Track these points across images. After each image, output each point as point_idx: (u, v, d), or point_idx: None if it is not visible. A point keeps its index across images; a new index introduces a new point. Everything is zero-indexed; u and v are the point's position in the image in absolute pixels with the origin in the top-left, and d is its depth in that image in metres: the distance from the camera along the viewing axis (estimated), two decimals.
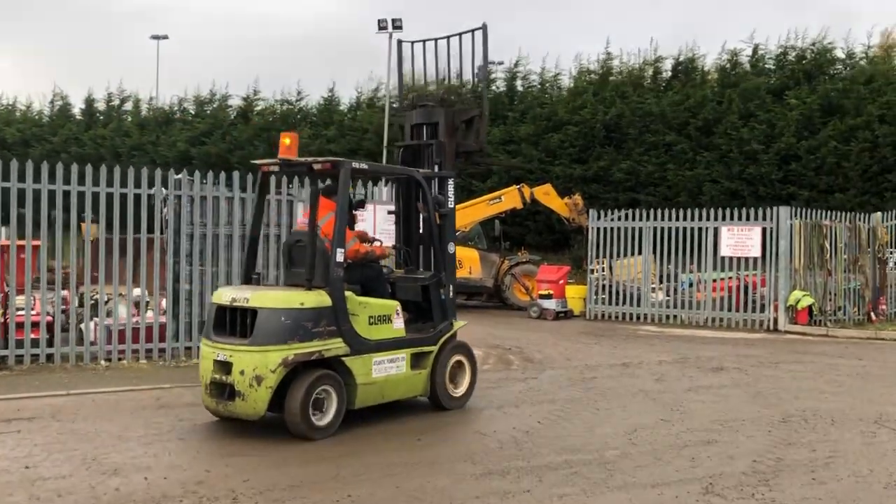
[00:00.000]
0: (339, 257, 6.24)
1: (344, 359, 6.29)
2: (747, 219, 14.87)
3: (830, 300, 14.55)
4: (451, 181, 7.65)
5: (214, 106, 36.10)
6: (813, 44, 25.86)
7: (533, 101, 29.13)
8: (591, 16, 62.83)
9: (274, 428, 6.46)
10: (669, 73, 28.21)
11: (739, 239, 14.87)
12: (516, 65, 30.96)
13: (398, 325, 6.77)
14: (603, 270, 16.40)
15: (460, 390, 7.31)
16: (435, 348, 7.07)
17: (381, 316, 6.64)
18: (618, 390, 8.39)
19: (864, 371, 9.78)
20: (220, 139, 33.39)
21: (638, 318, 15.73)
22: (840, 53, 25.78)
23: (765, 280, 14.74)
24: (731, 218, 15.01)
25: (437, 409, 7.10)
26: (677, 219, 15.52)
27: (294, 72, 65.97)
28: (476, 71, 9.02)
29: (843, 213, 15.25)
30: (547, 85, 30.55)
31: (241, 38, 66.35)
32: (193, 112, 36.44)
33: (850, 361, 10.58)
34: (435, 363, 7.04)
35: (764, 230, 14.62)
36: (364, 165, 7.11)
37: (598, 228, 16.44)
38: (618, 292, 16.11)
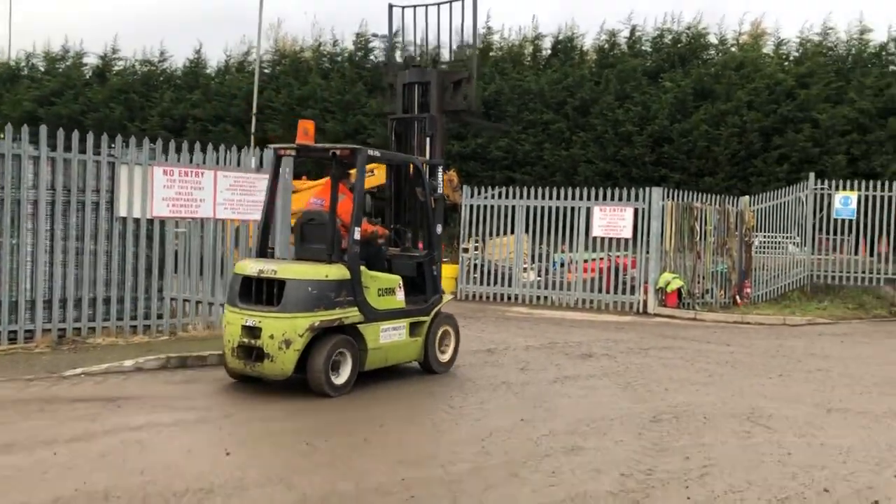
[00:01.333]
0: (357, 235, 6.85)
1: (358, 326, 6.96)
2: (620, 199, 14.52)
3: (699, 283, 14.42)
4: (440, 168, 8.36)
5: (68, 64, 33.08)
6: (688, 28, 26.09)
7: None
8: None
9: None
10: (549, 52, 27.81)
11: (612, 220, 14.50)
12: (396, 34, 29.75)
13: (400, 297, 7.46)
14: (476, 249, 15.77)
15: (446, 356, 8.07)
16: (428, 319, 7.78)
17: (387, 289, 7.33)
18: (478, 382, 7.58)
19: (732, 358, 9.44)
20: (73, 100, 30.69)
21: (509, 298, 15.16)
22: (713, 39, 26.16)
23: (635, 262, 14.46)
24: (605, 198, 14.62)
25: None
26: (550, 198, 15.05)
27: (157, 31, 61.27)
28: (465, 35, 9.85)
29: (713, 196, 15.15)
30: (427, 58, 29.55)
31: None
32: (43, 69, 33.24)
33: (718, 347, 10.26)
34: (427, 332, 7.76)
35: (636, 211, 14.31)
36: (377, 153, 7.53)
37: (472, 206, 15.78)
38: (490, 272, 15.53)
